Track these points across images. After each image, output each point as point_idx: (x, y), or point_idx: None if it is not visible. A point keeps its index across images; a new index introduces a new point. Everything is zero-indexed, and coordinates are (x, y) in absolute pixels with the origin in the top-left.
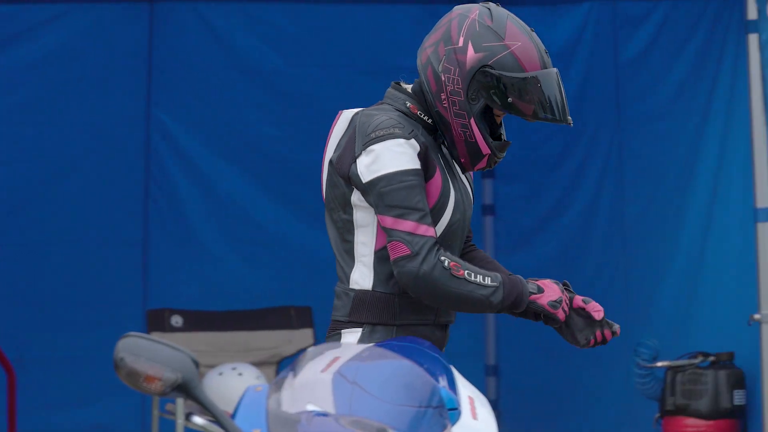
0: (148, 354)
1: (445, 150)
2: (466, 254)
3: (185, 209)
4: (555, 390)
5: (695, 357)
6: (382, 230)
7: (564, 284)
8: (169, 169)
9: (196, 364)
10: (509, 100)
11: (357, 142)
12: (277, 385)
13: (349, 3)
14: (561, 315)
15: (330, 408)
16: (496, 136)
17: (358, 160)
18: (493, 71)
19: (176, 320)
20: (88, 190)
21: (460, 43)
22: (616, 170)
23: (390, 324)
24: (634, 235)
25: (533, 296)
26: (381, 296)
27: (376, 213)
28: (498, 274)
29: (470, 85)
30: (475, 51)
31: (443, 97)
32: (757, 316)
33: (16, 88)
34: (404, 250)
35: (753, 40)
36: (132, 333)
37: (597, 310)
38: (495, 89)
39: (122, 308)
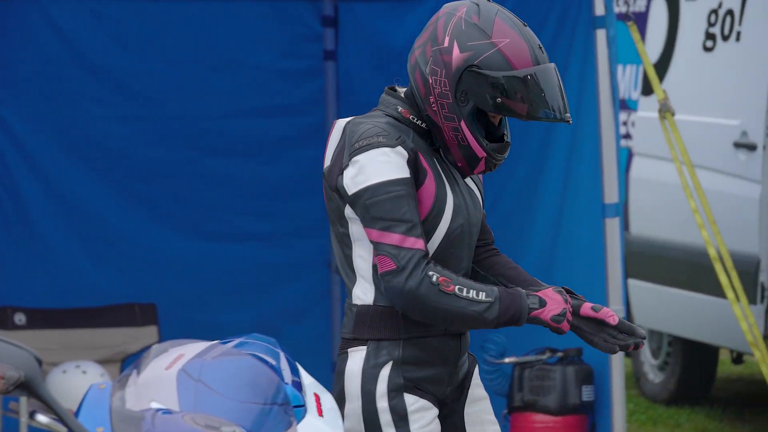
0: None
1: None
2: (485, 259)
3: (28, 207)
4: None
5: (543, 353)
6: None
7: (568, 291)
8: (12, 167)
9: (39, 362)
10: (498, 100)
11: (345, 152)
12: (121, 383)
13: (193, 0)
14: (565, 327)
15: (174, 405)
16: (497, 137)
17: (344, 172)
18: (480, 71)
19: (19, 318)
20: None
21: (446, 43)
22: None
23: (395, 338)
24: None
25: (534, 312)
26: (383, 310)
27: (363, 226)
28: (495, 288)
29: (458, 87)
30: (461, 51)
31: (432, 100)
32: None
33: None
34: (390, 265)
35: (601, 35)
36: None
37: (610, 316)
38: (483, 90)
39: None
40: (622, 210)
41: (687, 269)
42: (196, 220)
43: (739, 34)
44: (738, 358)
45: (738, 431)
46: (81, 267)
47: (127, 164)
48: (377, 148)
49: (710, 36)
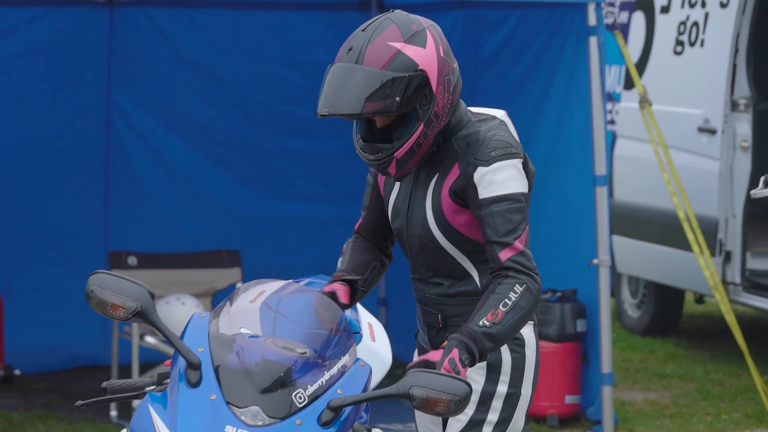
0: (114, 287)
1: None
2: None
3: (138, 173)
4: None
5: (545, 293)
6: None
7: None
8: (125, 139)
9: (152, 295)
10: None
11: None
12: (216, 313)
13: (271, 10)
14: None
15: (258, 331)
16: (384, 139)
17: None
18: None
19: (132, 260)
20: (64, 155)
21: None
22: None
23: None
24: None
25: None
26: None
27: None
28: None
29: None
30: None
31: None
32: (595, 261)
33: (5, 74)
34: None
35: (593, 41)
36: (100, 270)
37: None
38: None
39: (88, 250)
40: (608, 180)
41: (660, 228)
42: (271, 184)
43: (702, 41)
44: (700, 299)
45: (699, 356)
46: (180, 220)
47: (216, 139)
48: None
49: (680, 42)
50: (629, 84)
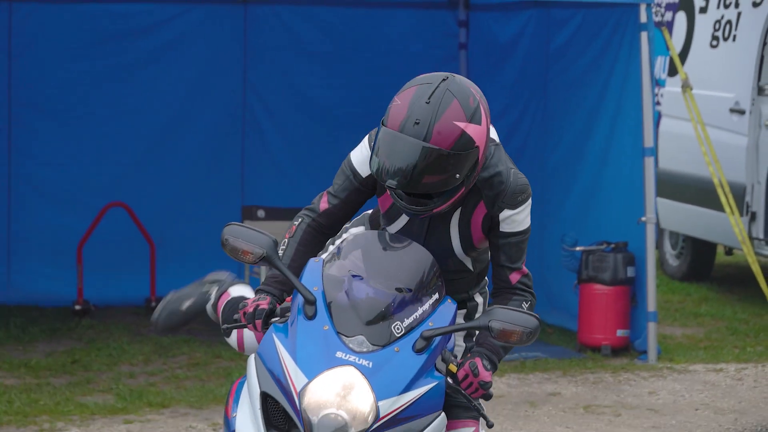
0: (244, 236)
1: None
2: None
3: (268, 142)
4: None
5: (601, 244)
6: None
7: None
8: (258, 116)
9: (276, 243)
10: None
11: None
12: (328, 258)
13: (374, 7)
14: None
15: (363, 273)
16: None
17: None
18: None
19: (260, 213)
20: (207, 129)
21: None
22: (542, 121)
23: None
24: (552, 162)
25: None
26: None
27: None
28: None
29: None
30: None
31: None
32: (643, 219)
33: (153, 63)
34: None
35: (644, 36)
36: (233, 222)
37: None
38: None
39: (227, 204)
40: (655, 152)
41: (697, 192)
42: None
43: (735, 36)
44: (729, 251)
45: (728, 299)
46: (301, 181)
47: (332, 115)
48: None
49: (715, 38)
50: (673, 72)
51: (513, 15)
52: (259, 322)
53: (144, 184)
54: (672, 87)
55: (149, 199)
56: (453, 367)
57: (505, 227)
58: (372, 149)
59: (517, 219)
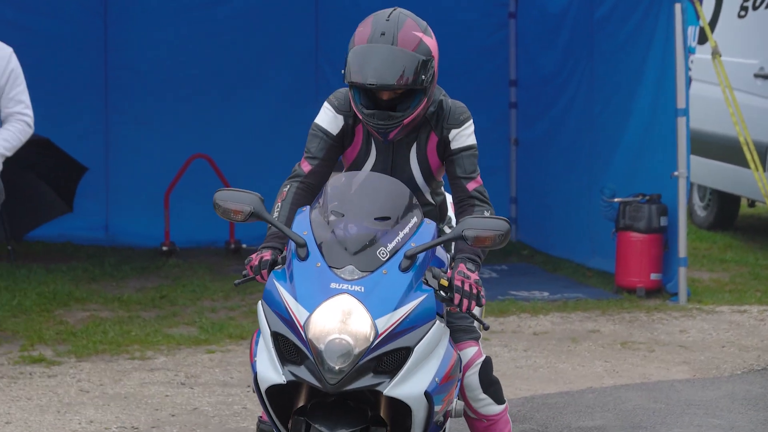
0: (232, 198)
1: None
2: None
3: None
4: (554, 216)
5: (637, 196)
6: None
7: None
8: (330, 79)
9: (262, 200)
10: (342, 71)
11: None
12: (313, 205)
13: None
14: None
15: (347, 212)
16: (389, 110)
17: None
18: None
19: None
20: (284, 89)
21: None
22: (588, 83)
23: None
24: (599, 121)
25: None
26: None
27: None
28: None
29: None
30: None
31: None
32: (676, 173)
33: (231, 29)
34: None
35: (678, 7)
36: (220, 188)
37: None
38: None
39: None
40: (687, 112)
41: (724, 149)
42: None
43: (764, 5)
44: (752, 204)
45: (751, 246)
46: None
47: None
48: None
49: (744, 8)
50: (702, 40)
51: None
52: (264, 272)
53: (225, 138)
54: (702, 54)
55: (229, 153)
56: (444, 282)
57: (455, 144)
58: (344, 72)
59: (464, 134)
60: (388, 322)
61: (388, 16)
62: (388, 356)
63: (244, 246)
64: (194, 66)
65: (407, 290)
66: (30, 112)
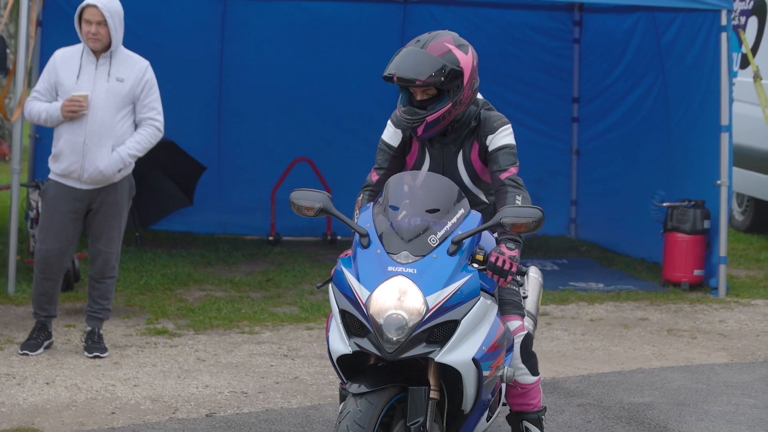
0: (305, 197)
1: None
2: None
3: None
4: (609, 217)
5: (684, 201)
6: None
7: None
8: None
9: (330, 198)
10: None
11: None
12: (377, 202)
13: (504, 8)
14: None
15: (403, 205)
16: (421, 109)
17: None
18: None
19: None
20: (374, 104)
21: None
22: (662, 98)
23: None
24: (652, 134)
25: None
26: None
27: None
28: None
29: None
30: None
31: None
32: (718, 182)
33: (329, 49)
34: None
35: (723, 35)
36: (295, 189)
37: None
38: None
39: None
40: (730, 128)
41: (762, 162)
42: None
43: None
44: None
45: None
46: None
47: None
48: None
49: None
50: (744, 65)
51: (625, 16)
52: None
53: (324, 144)
54: (743, 77)
55: (328, 157)
56: (480, 257)
57: (491, 147)
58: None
59: (498, 137)
60: (437, 298)
61: (433, 32)
62: (438, 328)
63: (339, 237)
64: (298, 79)
65: (454, 271)
66: (161, 118)
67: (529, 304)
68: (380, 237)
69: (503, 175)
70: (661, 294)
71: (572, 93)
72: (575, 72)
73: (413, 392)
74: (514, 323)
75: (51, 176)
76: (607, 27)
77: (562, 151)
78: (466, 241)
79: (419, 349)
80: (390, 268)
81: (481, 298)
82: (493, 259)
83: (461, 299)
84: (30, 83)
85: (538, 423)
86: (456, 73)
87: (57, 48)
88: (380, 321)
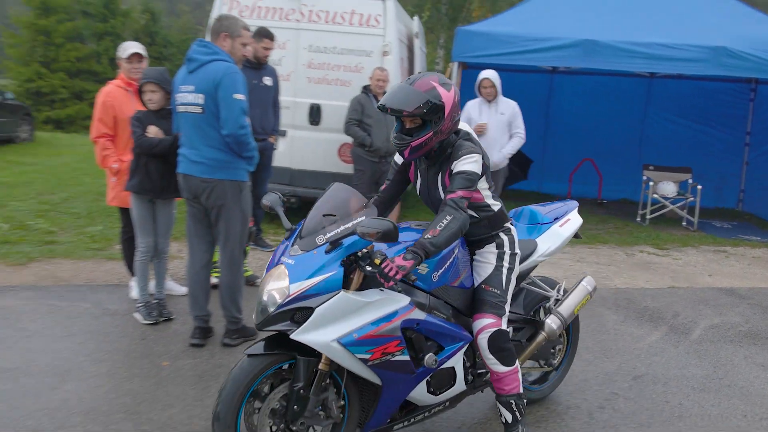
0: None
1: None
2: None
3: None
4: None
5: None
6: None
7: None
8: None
9: (280, 198)
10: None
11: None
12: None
13: (708, 81)
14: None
15: (313, 210)
16: (409, 135)
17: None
18: None
19: (650, 167)
20: (629, 111)
21: None
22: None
23: None
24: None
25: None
26: None
27: None
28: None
29: None
30: None
31: None
32: None
33: (591, 104)
34: None
35: None
36: (269, 190)
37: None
38: None
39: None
40: None
41: None
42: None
43: None
44: None
45: None
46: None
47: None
48: None
49: None
50: None
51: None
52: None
53: (605, 147)
54: None
55: (607, 157)
56: (377, 261)
57: (453, 171)
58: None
59: (459, 164)
60: (299, 287)
61: (423, 72)
62: (301, 312)
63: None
64: (566, 115)
65: (322, 266)
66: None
67: (564, 307)
68: (299, 232)
69: (448, 196)
70: None
71: (746, 128)
72: (749, 115)
73: (299, 360)
74: (485, 320)
75: None
76: None
77: (734, 163)
78: (345, 243)
79: (282, 326)
80: (282, 258)
81: (341, 292)
82: (383, 264)
83: (322, 291)
84: None
85: (509, 406)
86: (437, 107)
87: None
88: (258, 297)
